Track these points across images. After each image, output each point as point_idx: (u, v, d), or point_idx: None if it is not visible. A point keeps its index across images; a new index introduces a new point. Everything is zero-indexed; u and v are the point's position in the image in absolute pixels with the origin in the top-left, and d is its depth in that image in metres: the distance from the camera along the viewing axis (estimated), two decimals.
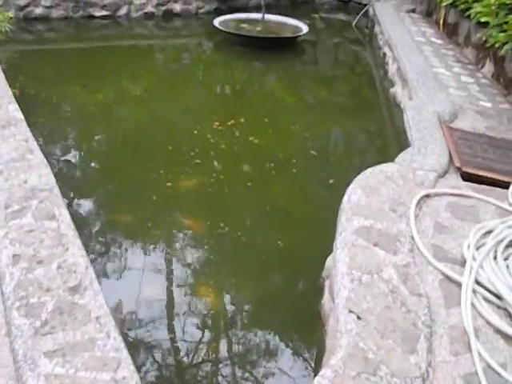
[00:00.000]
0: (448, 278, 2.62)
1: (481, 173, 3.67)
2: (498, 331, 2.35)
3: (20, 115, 3.82)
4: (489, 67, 5.94)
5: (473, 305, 2.47)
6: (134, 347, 2.94)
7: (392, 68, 6.50)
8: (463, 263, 2.69)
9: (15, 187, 2.97)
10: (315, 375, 2.07)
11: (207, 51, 8.17)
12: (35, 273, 2.37)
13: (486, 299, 2.50)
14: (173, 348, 3.07)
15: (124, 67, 6.93)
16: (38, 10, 8.09)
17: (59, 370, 1.94)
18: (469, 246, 2.76)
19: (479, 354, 2.22)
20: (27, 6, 8.01)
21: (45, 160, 3.28)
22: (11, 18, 5.92)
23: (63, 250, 2.50)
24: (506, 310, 2.45)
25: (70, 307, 2.20)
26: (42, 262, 2.44)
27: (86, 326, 2.12)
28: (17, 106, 3.96)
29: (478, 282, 2.57)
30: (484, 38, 5.83)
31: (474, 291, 2.53)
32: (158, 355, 2.97)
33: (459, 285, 2.56)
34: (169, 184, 4.34)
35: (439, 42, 7.16)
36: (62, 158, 4.76)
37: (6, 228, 2.65)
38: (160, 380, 2.85)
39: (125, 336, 2.87)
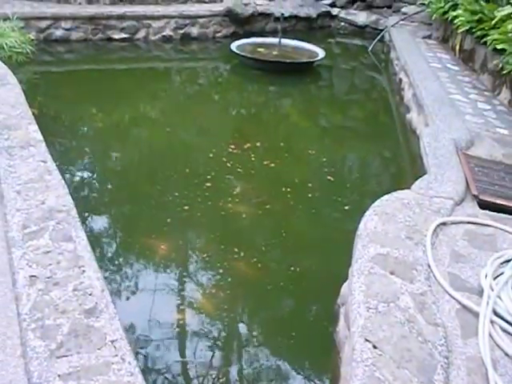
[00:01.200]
0: (465, 307, 2.59)
1: (498, 201, 3.65)
2: None
3: (39, 136, 3.86)
4: (505, 94, 5.93)
5: (490, 335, 2.44)
6: (147, 369, 2.93)
7: (408, 94, 6.52)
8: (480, 293, 2.66)
9: (33, 208, 2.99)
10: None
11: (224, 74, 8.24)
12: (51, 294, 2.38)
13: (504, 330, 2.47)
14: (185, 371, 3.05)
15: (141, 89, 7.00)
16: (59, 32, 8.24)
17: None
18: (486, 276, 2.73)
19: None
20: (48, 28, 8.16)
21: (63, 181, 3.30)
22: (32, 39, 6.03)
23: (79, 272, 2.51)
24: None
25: (85, 330, 2.20)
26: (59, 283, 2.44)
27: (101, 349, 2.12)
28: (36, 127, 4.00)
29: (495, 313, 2.54)
30: (500, 65, 5.84)
31: (492, 322, 2.50)
32: (169, 377, 2.96)
33: (476, 315, 2.53)
34: (186, 207, 4.35)
35: (455, 68, 7.17)
36: (79, 179, 4.80)
37: (23, 249, 2.66)
38: None
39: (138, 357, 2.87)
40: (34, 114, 4.34)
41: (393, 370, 2.14)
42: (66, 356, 2.08)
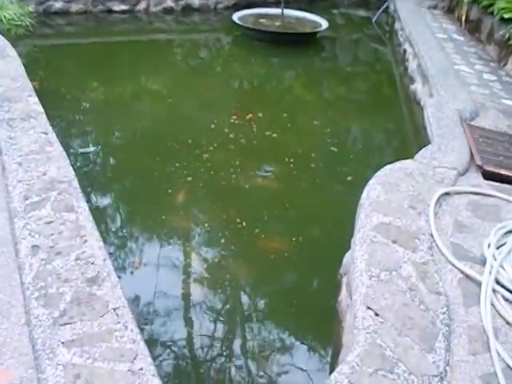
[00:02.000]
0: (467, 276, 2.59)
1: (502, 171, 3.62)
2: None
3: (40, 108, 3.84)
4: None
5: (492, 304, 2.44)
6: (151, 339, 2.95)
7: (412, 65, 6.44)
8: (483, 262, 2.66)
9: (34, 179, 2.99)
10: (331, 371, 2.06)
11: (226, 46, 8.16)
12: (54, 264, 2.39)
13: (506, 299, 2.47)
14: (188, 341, 3.07)
15: (143, 62, 6.94)
16: (58, 5, 8.13)
17: (77, 359, 1.95)
18: (489, 245, 2.73)
19: (498, 354, 2.19)
20: (47, 0, 8.06)
21: (64, 152, 3.30)
22: (31, 12, 5.95)
23: (81, 242, 2.52)
24: None
25: (88, 298, 2.21)
26: (61, 253, 2.45)
27: (103, 317, 2.13)
28: (37, 99, 3.98)
29: (497, 282, 2.54)
30: (507, 35, 5.75)
31: (494, 291, 2.50)
32: (174, 348, 2.98)
33: (479, 284, 2.53)
34: (189, 178, 4.34)
35: (461, 38, 7.07)
36: (81, 151, 4.79)
37: (25, 219, 2.66)
38: (176, 372, 2.86)
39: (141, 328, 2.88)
40: (34, 87, 4.32)
41: (394, 337, 2.15)
42: (69, 323, 2.10)
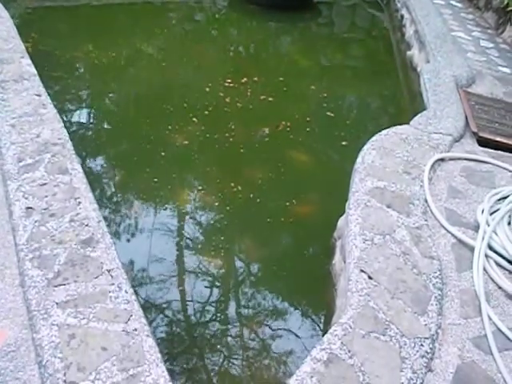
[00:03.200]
0: (460, 241, 2.61)
1: (497, 138, 3.62)
2: (509, 296, 2.35)
3: (33, 70, 3.78)
4: (509, 32, 5.81)
5: (485, 269, 2.46)
6: (145, 303, 2.97)
7: (409, 31, 6.37)
8: (476, 228, 2.67)
9: (28, 141, 2.96)
10: (325, 333, 2.07)
11: (221, 10, 8.02)
12: (48, 225, 2.38)
13: (498, 264, 2.50)
14: (183, 306, 3.09)
15: (138, 25, 6.83)
16: None
17: (71, 320, 1.96)
18: (483, 211, 2.74)
19: (489, 318, 2.22)
20: None
21: (57, 115, 3.26)
22: None
23: (75, 204, 2.51)
24: None
25: (82, 260, 2.21)
26: (55, 215, 2.44)
27: (97, 278, 2.13)
28: (29, 61, 3.92)
29: (490, 247, 2.56)
30: (506, 2, 5.69)
31: (487, 256, 2.52)
32: (167, 311, 3.00)
33: (471, 249, 2.55)
34: (186, 142, 4.32)
35: (459, 5, 6.99)
36: (75, 114, 4.74)
37: (18, 181, 2.65)
38: (170, 335, 2.88)
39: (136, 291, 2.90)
40: (27, 49, 4.24)
41: (387, 300, 2.17)
42: (64, 285, 2.10)
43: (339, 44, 7.16)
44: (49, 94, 3.52)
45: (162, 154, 4.16)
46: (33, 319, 1.98)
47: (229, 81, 5.35)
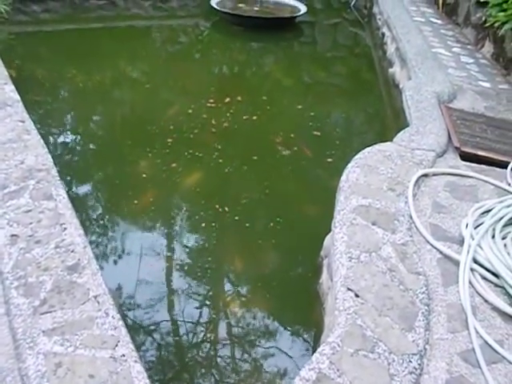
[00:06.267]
0: (446, 256, 2.63)
1: (479, 152, 3.66)
2: (496, 309, 2.36)
3: (16, 96, 3.79)
4: (488, 47, 5.91)
5: (470, 283, 2.48)
6: (133, 328, 2.95)
7: (391, 48, 6.46)
8: (461, 242, 2.69)
9: (12, 168, 2.95)
10: (313, 352, 2.07)
11: (204, 32, 8.10)
12: (33, 252, 2.37)
13: (483, 277, 2.52)
14: (171, 328, 3.07)
15: (121, 48, 6.87)
16: None
17: (58, 348, 1.94)
18: (467, 225, 2.77)
19: (476, 332, 2.23)
20: None
21: (41, 140, 3.27)
22: None
23: (61, 230, 2.50)
24: (503, 288, 2.46)
25: (68, 286, 2.20)
26: (40, 241, 2.43)
27: (84, 304, 2.12)
28: (13, 87, 3.93)
29: (475, 261, 2.58)
30: (484, 18, 5.79)
31: (472, 270, 2.54)
32: (156, 335, 2.98)
33: (457, 263, 2.57)
34: (164, 168, 4.32)
35: (439, 22, 7.11)
36: (59, 139, 4.74)
37: (3, 208, 2.64)
38: (159, 359, 2.86)
39: (123, 316, 2.88)
40: (10, 75, 4.26)
41: (375, 317, 2.18)
42: (50, 312, 2.09)
43: (322, 62, 7.24)
44: (32, 120, 3.54)
45: (144, 176, 4.17)
46: (19, 348, 1.96)
47: (211, 101, 5.39)
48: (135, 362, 1.92)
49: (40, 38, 7.18)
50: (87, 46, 6.85)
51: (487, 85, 5.05)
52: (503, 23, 5.15)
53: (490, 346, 2.18)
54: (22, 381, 1.86)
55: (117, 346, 1.97)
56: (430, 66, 5.21)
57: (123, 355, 1.93)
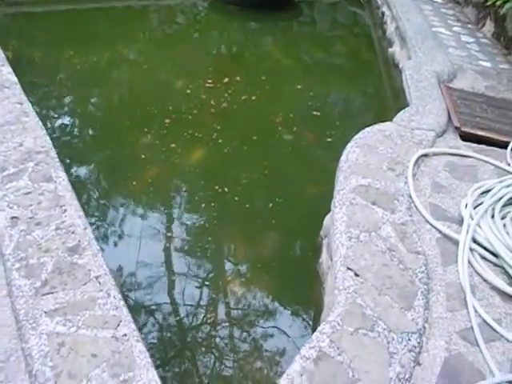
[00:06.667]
0: (445, 236, 2.64)
1: (479, 132, 3.66)
2: (494, 288, 2.38)
3: (14, 78, 3.77)
4: (489, 26, 5.87)
5: (469, 263, 2.49)
6: (134, 308, 2.96)
7: (390, 27, 6.41)
8: (461, 222, 2.70)
9: (11, 150, 2.95)
10: (313, 331, 2.09)
11: (202, 11, 8.03)
12: (34, 234, 2.38)
13: (482, 257, 2.53)
14: (172, 308, 3.09)
15: (118, 29, 6.82)
16: None
17: (60, 328, 1.96)
18: (466, 205, 2.77)
19: (475, 310, 2.25)
20: None
21: (40, 122, 3.25)
22: None
23: (61, 212, 2.51)
24: (502, 267, 2.47)
25: (69, 267, 2.21)
26: (41, 223, 2.44)
27: (85, 285, 2.13)
28: (10, 69, 3.91)
29: (475, 241, 2.59)
30: None
31: (471, 249, 2.55)
32: (157, 316, 3.00)
33: (456, 243, 2.58)
34: (163, 148, 4.31)
35: (439, 0, 7.05)
36: (57, 120, 4.72)
37: (2, 191, 2.64)
38: (160, 339, 2.89)
39: (125, 297, 2.89)
40: (7, 57, 4.23)
41: (374, 296, 2.19)
42: (52, 293, 2.10)
43: (321, 42, 7.19)
44: (31, 102, 3.52)
45: (143, 157, 4.17)
46: (22, 329, 1.97)
47: (210, 81, 5.36)
48: (137, 341, 1.94)
49: (36, 18, 7.11)
50: (84, 26, 6.80)
51: (488, 64, 5.02)
52: (504, 2, 5.12)
53: (489, 324, 2.19)
54: (26, 361, 1.88)
55: (118, 325, 1.99)
56: (430, 45, 5.18)
57: (125, 335, 1.95)
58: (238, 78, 5.48)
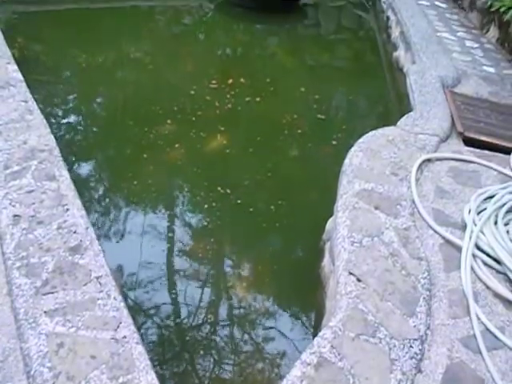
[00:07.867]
0: (448, 242, 2.63)
1: (483, 138, 3.65)
2: (497, 295, 2.37)
3: (19, 76, 3.77)
4: (493, 32, 5.86)
5: (472, 269, 2.48)
6: (134, 308, 2.95)
7: (395, 32, 6.39)
8: (464, 228, 2.69)
9: (14, 148, 2.94)
10: (314, 337, 2.08)
11: (208, 13, 8.02)
12: (35, 233, 2.37)
13: (485, 264, 2.51)
14: (173, 310, 3.08)
15: (124, 29, 6.80)
16: None
17: (60, 328, 1.95)
18: (469, 211, 2.76)
19: (477, 318, 2.24)
20: None
21: (44, 121, 3.25)
22: None
23: (63, 211, 2.50)
24: (505, 274, 2.46)
25: (70, 267, 2.20)
26: (42, 222, 2.43)
27: (86, 285, 2.13)
28: (16, 67, 3.90)
29: (478, 247, 2.57)
30: (489, 3, 5.74)
31: (474, 256, 2.54)
32: (157, 317, 2.99)
33: (459, 249, 2.57)
34: (167, 149, 4.30)
35: (443, 5, 7.03)
36: (62, 119, 4.71)
37: (5, 189, 2.63)
38: (160, 340, 2.88)
39: (125, 297, 2.89)
40: (13, 54, 4.22)
41: (376, 302, 2.18)
42: (52, 293, 2.09)
43: (326, 45, 7.18)
44: (35, 100, 3.51)
45: (145, 156, 4.16)
46: (21, 328, 1.96)
47: (214, 82, 5.35)
48: (136, 343, 1.93)
49: (43, 17, 7.09)
50: (90, 25, 6.79)
51: (492, 70, 5.01)
52: (509, 8, 5.12)
53: (491, 332, 2.18)
54: (24, 360, 1.87)
55: (118, 327, 1.98)
56: (434, 50, 5.17)
57: (125, 337, 1.94)
58: (242, 80, 5.47)
